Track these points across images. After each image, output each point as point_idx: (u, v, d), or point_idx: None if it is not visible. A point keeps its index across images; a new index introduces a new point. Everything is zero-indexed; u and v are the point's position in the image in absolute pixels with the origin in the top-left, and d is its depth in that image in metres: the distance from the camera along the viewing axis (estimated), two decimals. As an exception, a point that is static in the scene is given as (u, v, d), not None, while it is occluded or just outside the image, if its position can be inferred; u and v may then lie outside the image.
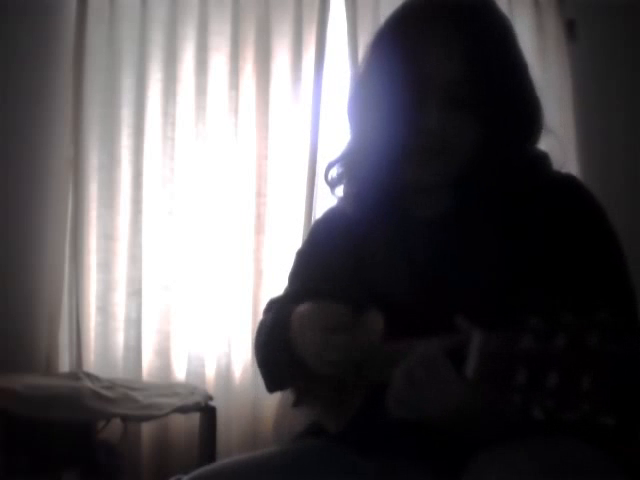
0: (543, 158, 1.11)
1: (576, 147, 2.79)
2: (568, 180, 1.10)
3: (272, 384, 1.25)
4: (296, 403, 1.24)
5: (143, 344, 2.65)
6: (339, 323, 1.06)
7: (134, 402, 2.31)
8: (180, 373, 2.69)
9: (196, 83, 2.72)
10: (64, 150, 2.69)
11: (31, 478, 2.23)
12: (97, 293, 2.67)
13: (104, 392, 2.30)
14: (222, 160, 2.73)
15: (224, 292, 2.69)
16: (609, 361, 0.72)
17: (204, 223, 2.71)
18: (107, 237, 2.67)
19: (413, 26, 1.07)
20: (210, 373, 2.68)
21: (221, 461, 1.22)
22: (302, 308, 1.13)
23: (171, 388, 2.48)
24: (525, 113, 1.08)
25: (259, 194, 2.73)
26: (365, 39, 2.59)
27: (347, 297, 1.14)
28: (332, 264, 1.20)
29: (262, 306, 2.76)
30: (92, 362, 2.64)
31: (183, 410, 2.39)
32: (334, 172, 1.21)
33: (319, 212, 2.56)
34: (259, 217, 2.72)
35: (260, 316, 1.29)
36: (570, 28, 2.86)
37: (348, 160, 1.18)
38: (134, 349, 2.64)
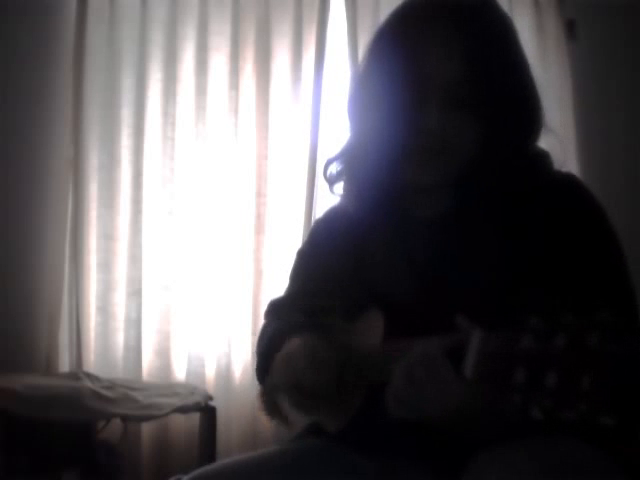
0: (544, 157, 1.11)
1: (576, 147, 2.79)
2: (568, 180, 1.10)
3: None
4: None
5: (143, 344, 2.65)
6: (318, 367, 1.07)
7: (134, 402, 2.31)
8: (180, 373, 2.69)
9: (196, 83, 2.72)
10: (64, 150, 2.69)
11: (31, 478, 2.23)
12: (97, 293, 2.67)
13: (104, 392, 2.30)
14: (222, 160, 2.73)
15: (224, 292, 2.69)
16: (609, 361, 0.72)
17: (204, 223, 2.71)
18: (107, 237, 2.67)
19: (413, 26, 1.07)
20: (210, 373, 2.68)
21: (221, 461, 1.22)
22: (288, 347, 1.13)
23: (171, 388, 2.48)
24: (525, 113, 1.08)
25: (259, 194, 2.73)
26: (365, 39, 2.58)
27: (347, 297, 1.14)
28: (332, 264, 1.20)
29: (262, 306, 2.78)
30: (92, 362, 2.64)
31: (183, 410, 2.39)
32: (333, 169, 1.21)
33: (319, 212, 2.55)
34: (259, 217, 2.72)
35: (260, 316, 1.29)
36: (570, 28, 2.86)
37: (348, 159, 1.18)
38: (134, 349, 2.64)
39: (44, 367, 2.61)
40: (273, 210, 2.74)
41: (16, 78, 2.66)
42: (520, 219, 1.05)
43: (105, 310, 2.67)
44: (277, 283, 2.65)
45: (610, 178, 2.76)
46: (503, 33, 1.08)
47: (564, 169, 1.12)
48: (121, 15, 2.70)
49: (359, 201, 1.17)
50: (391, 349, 1.03)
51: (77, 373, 2.49)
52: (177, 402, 2.35)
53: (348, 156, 1.18)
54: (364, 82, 1.14)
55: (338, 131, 2.50)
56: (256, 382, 1.29)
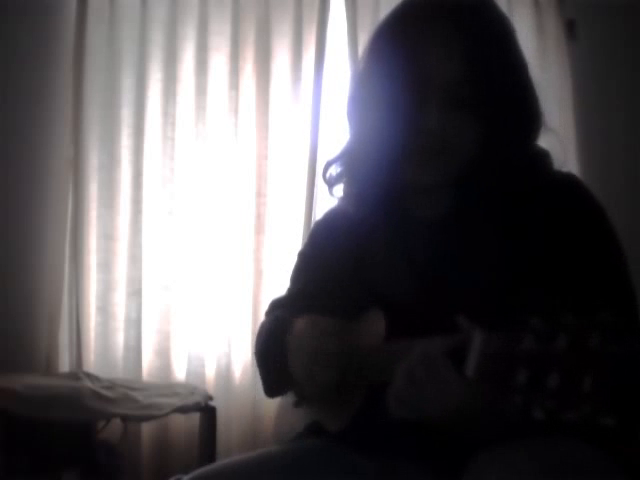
0: (543, 156, 1.11)
1: (576, 147, 2.79)
2: (568, 179, 1.10)
3: (270, 390, 1.26)
4: (297, 403, 1.24)
5: (143, 344, 2.65)
6: (329, 347, 1.07)
7: (134, 402, 2.31)
8: (180, 373, 2.69)
9: (196, 83, 2.72)
10: (64, 150, 2.69)
11: (31, 478, 2.23)
12: (97, 293, 2.67)
13: (104, 392, 2.30)
14: (222, 160, 2.72)
15: (224, 292, 2.69)
16: (610, 362, 0.72)
17: (204, 223, 2.71)
18: (107, 237, 2.67)
19: (413, 26, 1.07)
20: (210, 373, 2.68)
21: (221, 461, 1.22)
22: (298, 326, 1.13)
23: (171, 388, 2.48)
24: (525, 112, 1.08)
25: (259, 194, 2.73)
26: (365, 39, 2.58)
27: (348, 297, 1.14)
28: (333, 265, 1.20)
29: (262, 306, 2.78)
30: (92, 362, 2.64)
31: (183, 410, 2.39)
32: (333, 171, 1.21)
33: (319, 212, 2.56)
34: (259, 217, 2.72)
35: (260, 316, 1.29)
36: (570, 28, 2.86)
37: (347, 160, 1.18)
38: (134, 349, 2.64)
39: (44, 367, 2.61)
40: (273, 210, 2.74)
41: (16, 78, 2.66)
42: (520, 219, 1.05)
43: (105, 310, 2.67)
44: (277, 283, 2.65)
45: (610, 178, 2.75)
46: (502, 33, 1.08)
47: (564, 169, 1.12)
48: (121, 15, 2.70)
49: (359, 201, 1.17)
50: (392, 349, 1.03)
51: (77, 373, 2.49)
52: (177, 402, 2.35)
53: (348, 157, 1.18)
54: (363, 82, 1.13)
55: (338, 131, 2.50)
56: (256, 382, 1.29)
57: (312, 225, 2.31)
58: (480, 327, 0.83)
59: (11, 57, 2.66)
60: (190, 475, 1.12)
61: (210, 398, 2.46)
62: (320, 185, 2.62)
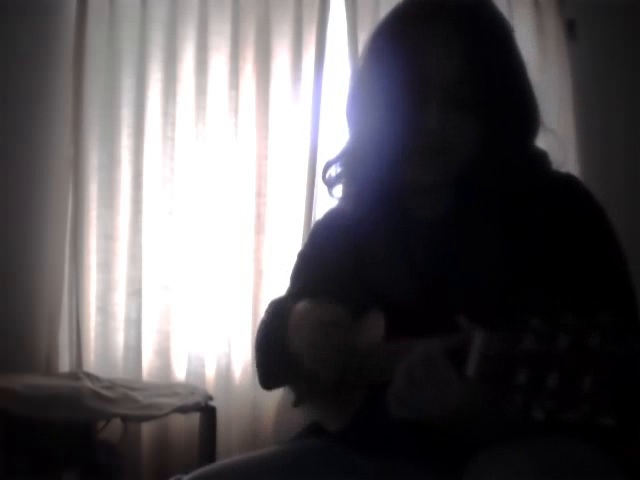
0: (542, 156, 1.11)
1: (576, 147, 2.79)
2: (568, 180, 1.10)
3: (267, 380, 1.25)
4: (296, 403, 1.24)
5: (143, 344, 2.65)
6: (336, 321, 1.07)
7: (134, 402, 2.31)
8: (180, 373, 2.69)
9: (196, 83, 2.72)
10: (64, 150, 2.69)
11: (31, 478, 2.23)
12: (97, 293, 2.67)
13: (104, 392, 2.30)
14: (222, 160, 2.73)
15: (224, 292, 2.69)
16: (610, 362, 0.72)
17: (204, 223, 2.71)
18: (107, 237, 2.67)
19: (412, 25, 1.07)
20: (210, 373, 2.68)
21: (221, 461, 1.22)
22: (300, 306, 1.13)
23: (171, 388, 2.48)
24: (524, 112, 1.08)
25: (259, 194, 2.73)
26: (365, 39, 2.58)
27: (348, 297, 1.14)
28: (333, 265, 1.20)
29: (262, 306, 2.78)
30: (92, 362, 2.64)
31: (183, 410, 2.39)
32: (332, 171, 1.21)
33: (319, 212, 2.56)
34: (259, 217, 2.72)
35: (260, 316, 1.29)
36: (570, 28, 2.86)
37: (347, 160, 1.18)
38: (134, 349, 2.64)
39: (44, 367, 2.61)
40: (273, 210, 2.74)
41: (16, 78, 2.66)
42: (520, 219, 1.05)
43: (105, 310, 2.67)
44: (277, 283, 2.65)
45: (610, 178, 2.76)
46: (501, 33, 1.08)
47: (564, 169, 1.12)
48: (121, 15, 2.70)
49: (359, 201, 1.17)
50: (392, 349, 1.03)
51: (77, 373, 2.49)
52: (177, 402, 2.35)
53: (348, 157, 1.18)
54: (363, 82, 1.13)
55: (338, 131, 2.50)
56: (256, 382, 1.29)
57: (312, 225, 2.31)
58: (480, 327, 0.83)
59: (11, 57, 2.66)
60: (190, 475, 1.12)
61: (210, 398, 2.46)
62: (320, 185, 2.62)
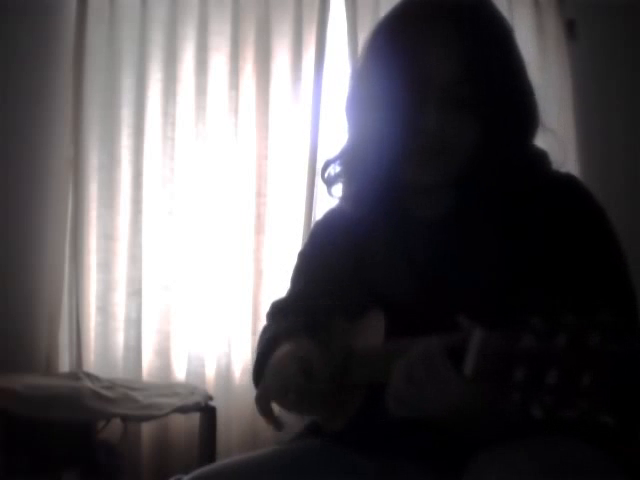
0: (542, 156, 1.11)
1: (576, 147, 2.79)
2: (567, 180, 1.10)
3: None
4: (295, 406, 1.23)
5: (143, 344, 2.65)
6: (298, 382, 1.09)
7: (134, 402, 2.31)
8: (180, 373, 2.69)
9: (196, 83, 2.72)
10: (64, 150, 2.69)
11: (31, 478, 2.23)
12: (97, 293, 2.67)
13: (104, 392, 2.30)
14: (222, 160, 2.73)
15: (224, 292, 2.69)
16: (609, 361, 0.72)
17: (204, 223, 2.71)
18: (107, 237, 2.67)
19: (412, 25, 1.07)
20: (210, 373, 2.68)
21: (221, 461, 1.22)
22: (279, 353, 1.15)
23: (171, 388, 2.48)
24: (523, 112, 1.08)
25: (259, 194, 2.73)
26: (365, 39, 2.58)
27: (348, 297, 1.14)
28: (333, 265, 1.20)
29: (262, 306, 2.78)
30: (92, 362, 2.64)
31: (183, 410, 2.39)
32: (332, 170, 1.21)
33: (319, 212, 2.56)
34: (259, 217, 2.72)
35: (260, 316, 1.29)
36: (570, 28, 2.86)
37: (347, 159, 1.18)
38: (134, 349, 2.64)
39: (44, 367, 2.61)
40: (273, 210, 2.74)
41: (16, 78, 2.66)
42: (520, 219, 1.05)
43: (105, 310, 2.67)
44: (277, 283, 2.66)
45: (610, 178, 2.76)
46: (501, 33, 1.08)
47: (564, 169, 1.12)
48: (121, 15, 2.70)
49: (359, 201, 1.17)
50: (392, 349, 1.03)
51: (77, 373, 2.49)
52: (177, 402, 2.35)
53: (347, 156, 1.18)
54: (362, 82, 1.13)
55: (338, 131, 2.50)
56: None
57: (312, 225, 2.31)
58: (480, 326, 0.83)
59: (11, 57, 2.66)
60: (190, 475, 1.12)
61: (210, 398, 2.46)
62: (320, 185, 2.62)
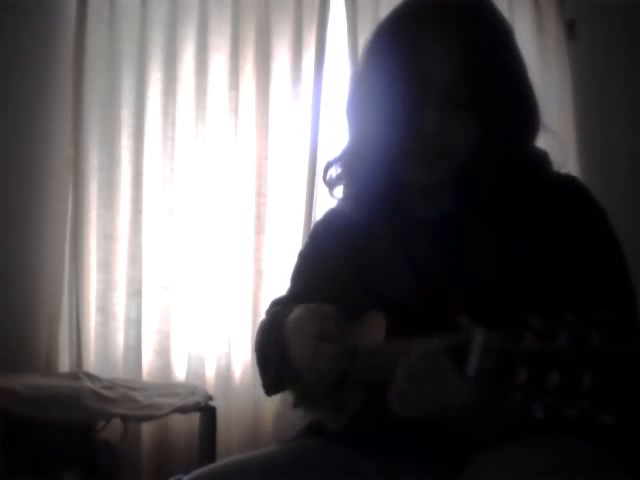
0: (542, 157, 1.11)
1: (576, 147, 2.79)
2: (568, 180, 1.10)
3: (269, 386, 1.26)
4: (296, 404, 1.24)
5: (143, 344, 2.65)
6: (329, 331, 1.07)
7: (134, 402, 2.31)
8: (180, 373, 2.69)
9: (196, 83, 2.72)
10: (64, 150, 2.69)
11: (31, 478, 2.23)
12: (97, 293, 2.67)
13: (104, 392, 2.30)
14: (222, 160, 2.73)
15: (224, 292, 2.69)
16: (610, 360, 0.72)
17: (204, 223, 2.71)
18: (107, 237, 2.67)
19: (412, 27, 1.07)
20: (210, 373, 2.68)
21: (221, 461, 1.23)
22: (296, 312, 1.13)
23: (171, 388, 2.48)
24: (523, 112, 1.08)
25: (259, 194, 2.73)
26: (365, 39, 2.58)
27: (348, 297, 1.14)
28: (333, 265, 1.20)
29: (262, 306, 2.78)
30: (92, 362, 2.64)
31: (183, 410, 2.39)
32: (333, 172, 1.21)
33: (319, 212, 2.56)
34: (259, 217, 2.72)
35: (260, 316, 1.30)
36: (570, 28, 2.86)
37: (347, 161, 1.18)
38: (134, 349, 2.64)
39: (44, 367, 2.61)
40: (273, 210, 2.74)
41: (16, 78, 2.66)
42: (520, 219, 1.05)
43: (105, 310, 2.67)
44: (277, 283, 2.66)
45: (610, 178, 2.76)
46: (501, 34, 1.08)
47: (564, 169, 1.12)
48: (121, 15, 2.70)
49: (359, 202, 1.18)
50: (392, 349, 1.03)
51: (77, 373, 2.49)
52: (177, 402, 2.35)
53: (348, 157, 1.18)
54: (363, 83, 1.14)
55: (338, 131, 2.50)
56: (256, 382, 1.29)
57: (312, 225, 2.31)
58: (481, 326, 0.83)
59: (11, 57, 2.66)
60: (190, 475, 1.12)
61: (210, 398, 2.46)
62: (320, 185, 2.62)
